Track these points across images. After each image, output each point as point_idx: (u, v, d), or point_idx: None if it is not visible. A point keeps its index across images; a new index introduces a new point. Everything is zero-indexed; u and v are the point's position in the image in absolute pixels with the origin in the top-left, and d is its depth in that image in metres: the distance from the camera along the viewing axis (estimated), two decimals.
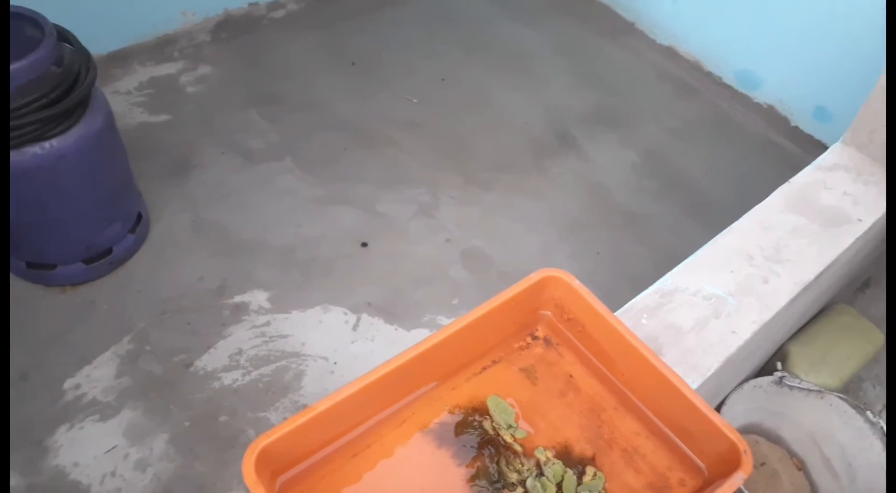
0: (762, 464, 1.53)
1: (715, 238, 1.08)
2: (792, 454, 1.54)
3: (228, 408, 1.60)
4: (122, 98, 2.32)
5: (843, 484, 1.43)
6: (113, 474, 1.48)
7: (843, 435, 1.43)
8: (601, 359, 0.88)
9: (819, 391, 1.43)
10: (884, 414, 1.65)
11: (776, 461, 1.53)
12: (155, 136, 2.22)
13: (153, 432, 1.55)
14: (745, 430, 1.56)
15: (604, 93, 2.55)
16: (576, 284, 0.88)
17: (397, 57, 2.60)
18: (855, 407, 1.40)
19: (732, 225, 1.10)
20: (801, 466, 1.52)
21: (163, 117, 2.28)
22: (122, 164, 1.76)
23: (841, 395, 1.42)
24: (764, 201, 1.15)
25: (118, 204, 1.77)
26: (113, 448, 1.51)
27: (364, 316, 1.82)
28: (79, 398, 1.59)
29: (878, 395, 1.69)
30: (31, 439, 1.51)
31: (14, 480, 1.46)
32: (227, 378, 1.65)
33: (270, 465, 0.72)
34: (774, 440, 1.56)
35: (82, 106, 1.55)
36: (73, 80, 1.51)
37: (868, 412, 1.39)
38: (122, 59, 2.45)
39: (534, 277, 0.89)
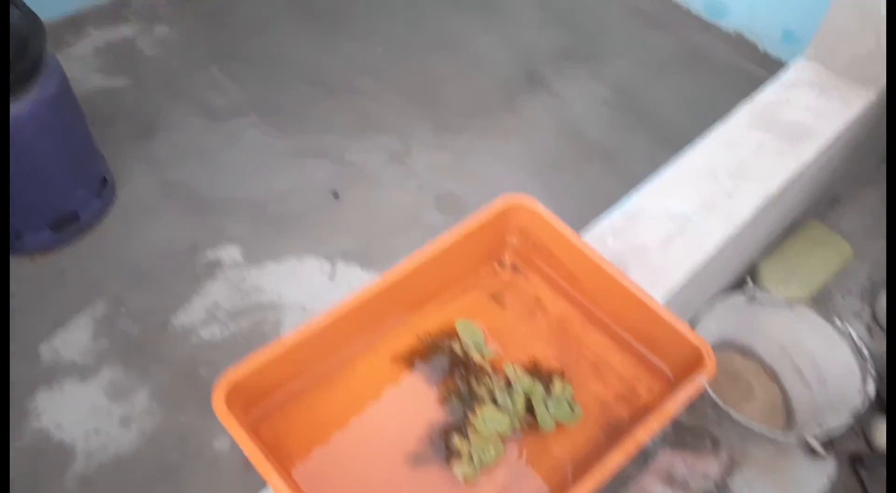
0: (736, 378, 1.57)
1: (679, 158, 1.08)
2: (765, 367, 1.57)
3: (208, 361, 1.60)
4: (78, 64, 2.25)
5: (814, 390, 1.47)
6: (97, 431, 1.49)
7: (812, 344, 1.47)
8: (568, 280, 0.89)
9: (789, 304, 1.46)
10: (853, 323, 1.68)
11: (750, 374, 1.57)
12: (115, 100, 2.16)
13: (134, 389, 1.55)
14: (719, 346, 1.59)
15: (572, 30, 2.52)
16: (539, 208, 0.88)
17: (360, 6, 2.54)
18: (824, 316, 1.43)
19: (696, 144, 1.10)
20: (774, 377, 1.56)
21: (122, 81, 2.23)
22: (81, 128, 1.72)
23: (810, 305, 1.45)
24: (728, 119, 1.14)
25: (81, 169, 1.74)
26: (95, 407, 1.52)
27: (340, 265, 1.81)
28: (56, 362, 1.58)
29: (848, 305, 1.72)
30: (11, 403, 1.51)
31: None
32: (206, 333, 1.65)
33: (242, 398, 0.72)
34: (748, 354, 1.59)
35: (34, 70, 1.50)
36: (23, 44, 1.46)
37: (836, 319, 1.42)
38: (75, 23, 2.38)
39: (497, 203, 0.89)
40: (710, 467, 1.46)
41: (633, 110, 2.24)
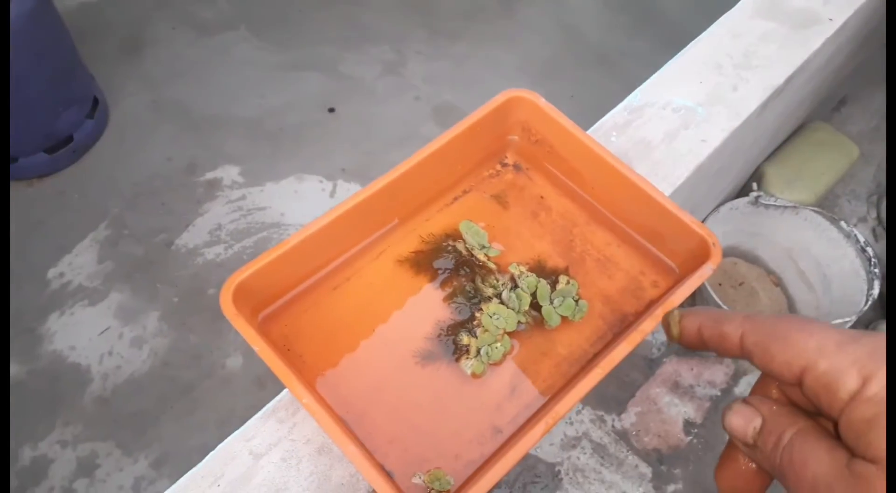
0: (741, 284, 1.58)
1: (683, 50, 1.05)
2: (769, 272, 1.58)
3: (215, 281, 1.61)
4: None
5: (819, 294, 1.48)
6: (110, 353, 1.51)
7: (817, 247, 1.47)
8: (571, 177, 0.87)
9: (794, 207, 1.45)
10: (858, 226, 1.68)
11: (754, 280, 1.58)
12: (99, 16, 2.10)
13: (144, 311, 1.57)
14: (724, 253, 1.59)
15: None
16: (542, 102, 0.86)
17: None
18: (829, 219, 1.43)
19: (700, 35, 1.06)
20: (778, 282, 1.57)
21: None
22: (65, 43, 1.67)
23: (815, 208, 1.44)
24: (732, 9, 1.10)
25: (69, 87, 1.70)
26: (106, 330, 1.54)
27: (340, 182, 1.80)
28: (65, 286, 1.60)
29: (854, 209, 1.71)
30: (23, 328, 1.54)
31: (14, 368, 1.50)
32: (210, 253, 1.65)
33: (250, 300, 0.72)
34: (752, 260, 1.60)
35: None
36: None
37: (842, 222, 1.41)
38: None
39: (498, 98, 0.86)
40: (716, 374, 1.49)
41: (634, 10, 2.17)
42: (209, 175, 1.78)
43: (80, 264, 1.63)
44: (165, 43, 2.03)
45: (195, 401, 1.45)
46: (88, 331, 1.54)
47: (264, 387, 1.47)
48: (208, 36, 2.05)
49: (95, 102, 1.77)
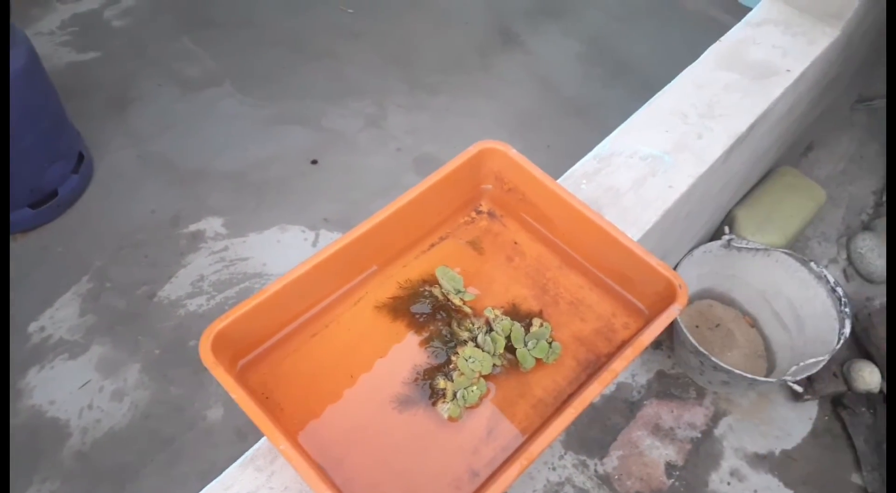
0: (717, 325, 1.60)
1: (649, 101, 1.09)
2: (745, 313, 1.61)
3: (197, 332, 1.61)
4: (46, 39, 2.22)
5: (793, 334, 1.50)
6: (90, 406, 1.50)
7: (789, 289, 1.50)
8: (543, 224, 0.90)
9: (766, 249, 1.49)
10: (829, 267, 1.72)
11: (730, 321, 1.61)
12: (87, 74, 2.14)
13: (125, 363, 1.56)
14: (699, 295, 1.62)
15: None
16: (512, 153, 0.90)
17: None
18: (800, 260, 1.47)
19: (665, 87, 1.11)
20: (754, 323, 1.60)
21: (92, 55, 2.20)
22: (53, 102, 1.70)
23: (786, 250, 1.48)
24: (696, 61, 1.16)
25: (56, 144, 1.72)
26: (87, 383, 1.53)
27: (322, 232, 1.82)
28: (45, 340, 1.59)
29: (824, 251, 1.76)
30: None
31: None
32: (192, 304, 1.66)
33: (230, 348, 0.74)
34: (728, 302, 1.63)
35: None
36: None
37: (812, 263, 1.45)
38: None
39: (471, 150, 0.90)
40: (696, 415, 1.50)
41: (607, 63, 2.25)
42: (192, 227, 1.79)
43: (61, 317, 1.63)
44: (151, 99, 2.07)
45: (176, 454, 1.44)
46: (68, 385, 1.53)
47: (245, 439, 1.46)
48: (193, 92, 2.10)
49: (80, 157, 1.80)
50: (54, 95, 1.71)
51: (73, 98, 1.94)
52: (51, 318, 1.63)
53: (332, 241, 1.79)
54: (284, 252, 1.77)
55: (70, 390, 1.52)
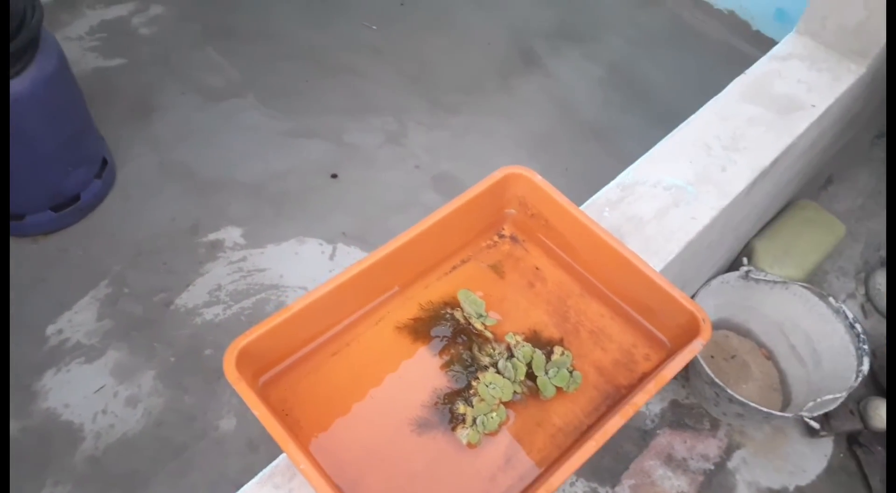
0: (733, 357, 1.60)
1: (674, 131, 1.10)
2: (761, 345, 1.60)
3: (212, 342, 1.62)
4: (74, 44, 2.26)
5: (809, 369, 1.49)
6: (104, 411, 1.51)
7: (807, 323, 1.49)
8: (566, 250, 0.91)
9: (784, 282, 1.49)
10: (847, 303, 1.71)
11: (746, 353, 1.60)
12: (112, 80, 2.17)
13: (140, 369, 1.57)
14: (716, 325, 1.62)
15: (565, 8, 2.52)
16: (537, 179, 0.90)
17: None
18: (818, 295, 1.46)
19: (690, 117, 1.12)
20: (770, 355, 1.59)
21: (118, 61, 2.23)
22: (80, 107, 1.73)
23: (804, 284, 1.47)
24: (721, 93, 1.16)
25: (80, 149, 1.74)
26: (102, 388, 1.54)
27: (340, 245, 1.83)
28: (62, 343, 1.60)
29: (842, 286, 1.75)
30: (19, 384, 1.53)
31: None
32: (209, 314, 1.67)
33: (252, 365, 0.74)
34: (744, 333, 1.62)
35: (32, 48, 1.51)
36: (20, 21, 1.46)
37: (830, 298, 1.44)
38: (71, 3, 2.38)
39: (497, 174, 0.91)
40: (709, 447, 1.49)
41: (626, 89, 2.26)
42: (212, 236, 1.81)
43: (78, 321, 1.64)
44: (174, 107, 2.10)
45: (187, 462, 1.44)
46: (84, 388, 1.54)
47: (256, 450, 1.46)
48: (216, 101, 2.12)
49: (104, 162, 1.82)
50: (81, 100, 1.73)
51: (97, 103, 1.96)
52: (69, 321, 1.64)
53: (349, 254, 1.81)
54: (302, 264, 1.78)
55: (85, 394, 1.53)
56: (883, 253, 1.82)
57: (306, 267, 1.78)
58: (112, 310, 1.67)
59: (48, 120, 1.58)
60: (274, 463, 0.75)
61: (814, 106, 1.14)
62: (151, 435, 1.48)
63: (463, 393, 0.77)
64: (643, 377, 0.81)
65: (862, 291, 1.74)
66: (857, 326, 1.40)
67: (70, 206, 1.77)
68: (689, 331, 0.78)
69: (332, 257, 1.81)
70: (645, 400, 0.70)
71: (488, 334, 0.82)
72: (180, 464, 1.45)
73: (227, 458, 1.46)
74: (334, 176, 1.98)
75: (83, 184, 1.78)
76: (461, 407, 0.75)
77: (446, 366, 0.79)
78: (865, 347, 1.38)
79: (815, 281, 1.73)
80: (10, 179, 1.58)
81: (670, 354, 0.81)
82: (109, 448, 1.46)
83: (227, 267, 1.76)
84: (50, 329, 1.62)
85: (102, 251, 1.77)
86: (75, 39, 2.27)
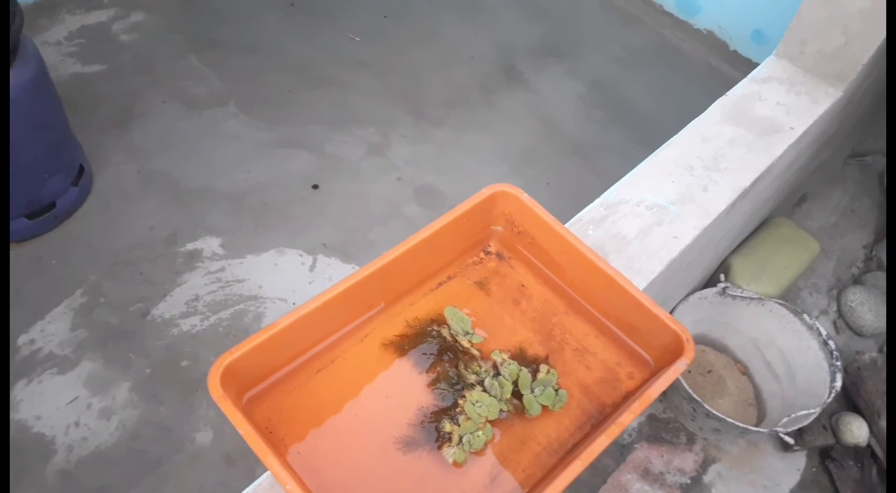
0: (709, 372, 1.62)
1: (656, 151, 1.12)
2: (736, 361, 1.62)
3: (190, 353, 1.60)
4: (53, 49, 2.23)
5: (784, 384, 1.52)
6: (77, 424, 1.48)
7: (782, 339, 1.52)
8: (551, 268, 0.91)
9: (760, 299, 1.51)
10: (820, 319, 1.74)
11: (722, 368, 1.62)
12: (91, 87, 2.14)
13: (115, 381, 1.54)
14: (693, 340, 1.63)
15: (549, 25, 2.55)
16: (524, 197, 0.91)
17: None
18: (793, 311, 1.48)
19: (672, 138, 1.14)
20: (745, 371, 1.61)
21: (97, 68, 2.20)
22: (58, 114, 1.70)
23: (779, 301, 1.50)
24: (702, 114, 1.18)
25: (57, 156, 1.72)
26: (75, 399, 1.51)
27: (320, 257, 1.82)
28: (34, 353, 1.57)
29: (815, 302, 1.78)
30: None
31: None
32: (186, 324, 1.65)
33: (236, 382, 0.74)
34: (720, 348, 1.64)
35: (11, 54, 1.49)
36: None
37: (805, 315, 1.47)
38: (50, 7, 2.35)
39: (484, 192, 0.91)
40: (686, 461, 1.51)
41: (608, 105, 2.28)
42: (190, 246, 1.79)
43: (52, 331, 1.61)
44: (155, 116, 2.07)
45: (163, 477, 1.42)
46: (56, 400, 1.51)
47: (234, 464, 1.44)
48: (197, 111, 2.10)
49: (81, 169, 1.79)
50: (60, 106, 1.71)
51: (75, 110, 1.94)
52: (41, 331, 1.61)
53: (329, 266, 1.80)
54: (281, 276, 1.77)
55: (57, 405, 1.50)
56: (855, 270, 1.86)
57: (286, 278, 1.77)
58: (87, 320, 1.64)
59: (25, 127, 1.56)
60: (257, 482, 0.74)
61: (792, 128, 1.16)
62: (126, 448, 1.46)
63: (449, 411, 0.77)
64: (627, 396, 0.81)
65: (834, 307, 1.77)
66: (831, 342, 1.43)
67: (45, 213, 1.74)
68: (674, 350, 0.79)
69: (311, 268, 1.80)
70: (630, 420, 0.70)
71: (475, 352, 0.82)
72: (155, 479, 1.42)
73: (203, 472, 1.44)
74: (315, 187, 1.97)
75: (59, 191, 1.75)
76: (447, 425, 0.75)
77: (433, 384, 0.79)
78: (838, 363, 1.40)
79: (789, 297, 1.76)
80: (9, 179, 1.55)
81: (654, 373, 0.81)
82: (82, 462, 1.43)
83: (205, 277, 1.74)
84: (22, 339, 1.59)
85: (78, 260, 1.74)
86: (54, 44, 2.24)
